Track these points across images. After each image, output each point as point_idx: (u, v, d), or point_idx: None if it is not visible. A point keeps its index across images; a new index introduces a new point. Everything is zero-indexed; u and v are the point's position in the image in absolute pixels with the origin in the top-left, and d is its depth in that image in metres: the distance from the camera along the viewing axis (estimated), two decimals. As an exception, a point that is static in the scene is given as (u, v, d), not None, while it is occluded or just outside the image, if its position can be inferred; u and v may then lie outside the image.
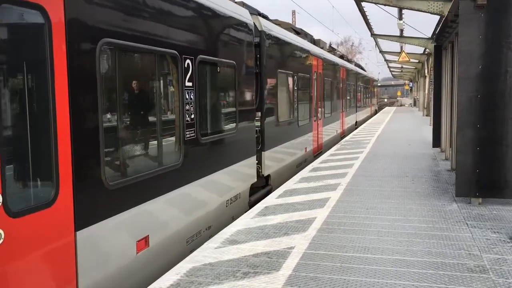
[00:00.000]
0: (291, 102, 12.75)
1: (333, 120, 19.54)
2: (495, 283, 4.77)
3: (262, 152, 10.02)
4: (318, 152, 15.72)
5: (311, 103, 15.02)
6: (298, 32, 15.32)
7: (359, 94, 30.89)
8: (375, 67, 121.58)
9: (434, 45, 14.70)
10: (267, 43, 10.37)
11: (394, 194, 8.85)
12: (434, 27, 21.46)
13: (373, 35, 27.24)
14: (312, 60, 15.17)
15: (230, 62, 8.15)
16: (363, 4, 19.23)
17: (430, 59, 26.68)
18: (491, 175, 7.75)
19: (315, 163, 12.73)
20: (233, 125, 8.44)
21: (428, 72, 31.78)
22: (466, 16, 7.69)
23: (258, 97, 9.92)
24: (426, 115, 32.14)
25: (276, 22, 12.63)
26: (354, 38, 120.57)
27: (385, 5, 16.88)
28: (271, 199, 8.52)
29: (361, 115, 32.30)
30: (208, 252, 5.76)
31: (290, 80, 12.57)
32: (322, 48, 18.67)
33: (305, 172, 11.32)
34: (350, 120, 25.55)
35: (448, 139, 12.48)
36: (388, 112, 43.56)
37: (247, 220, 7.18)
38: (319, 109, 16.36)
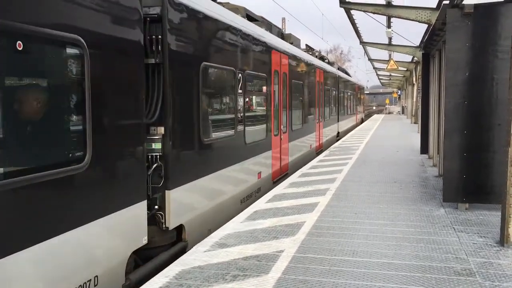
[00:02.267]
0: (232, 111, 9.02)
1: (305, 133, 16.04)
2: (482, 286, 4.83)
3: (167, 192, 6.40)
4: (281, 175, 12.33)
5: (269, 112, 11.39)
6: (255, 19, 11.91)
7: (342, 101, 27.39)
8: (364, 75, 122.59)
9: (422, 53, 14.88)
10: (179, 18, 6.78)
11: (383, 199, 8.91)
12: (422, 35, 21.72)
13: (362, 42, 27.50)
14: (271, 56, 11.55)
15: (68, 36, 4.49)
16: (352, 12, 19.42)
17: (418, 67, 27.00)
18: (478, 181, 7.85)
19: (304, 169, 12.78)
20: (79, 153, 4.74)
21: (416, 80, 32.11)
22: (454, 24, 7.82)
23: (160, 103, 6.36)
24: (414, 123, 32.43)
25: (224, 3, 10.08)
26: (343, 46, 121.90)
27: (374, 13, 17.07)
28: (260, 204, 8.53)
29: (344, 124, 28.86)
30: (198, 256, 5.76)
31: (228, 79, 8.84)
32: (292, 43, 15.42)
33: (294, 178, 11.36)
34: (329, 132, 22.27)
35: (435, 146, 12.61)
36: (376, 120, 43.89)
37: (237, 224, 7.19)
38: (284, 120, 12.81)
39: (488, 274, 5.15)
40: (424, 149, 14.70)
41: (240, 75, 9.20)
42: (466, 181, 7.85)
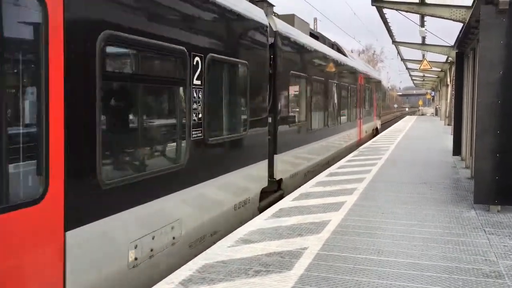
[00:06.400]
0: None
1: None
2: (511, 288, 4.69)
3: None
4: None
5: None
6: None
7: (318, 101, 13.95)
8: (396, 76, 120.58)
9: (456, 52, 14.55)
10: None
11: (411, 199, 8.75)
12: (457, 34, 21.19)
13: (394, 42, 27.04)
14: None
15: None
16: (385, 10, 19.13)
17: (453, 67, 26.36)
18: (511, 183, 7.62)
19: (332, 169, 12.67)
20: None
21: (450, 81, 31.39)
22: (488, 21, 7.61)
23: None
24: (448, 124, 31.70)
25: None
26: (376, 47, 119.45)
27: (406, 11, 16.74)
28: (286, 202, 8.52)
29: (324, 150, 14.58)
30: (221, 250, 5.79)
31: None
32: None
33: (321, 177, 11.28)
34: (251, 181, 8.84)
35: (469, 147, 12.30)
36: (408, 121, 43.15)
37: (261, 221, 7.19)
38: None
39: (519, 277, 5.00)
40: (457, 150, 14.36)
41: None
42: (499, 183, 7.62)
